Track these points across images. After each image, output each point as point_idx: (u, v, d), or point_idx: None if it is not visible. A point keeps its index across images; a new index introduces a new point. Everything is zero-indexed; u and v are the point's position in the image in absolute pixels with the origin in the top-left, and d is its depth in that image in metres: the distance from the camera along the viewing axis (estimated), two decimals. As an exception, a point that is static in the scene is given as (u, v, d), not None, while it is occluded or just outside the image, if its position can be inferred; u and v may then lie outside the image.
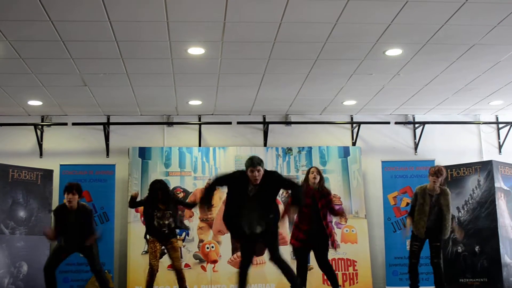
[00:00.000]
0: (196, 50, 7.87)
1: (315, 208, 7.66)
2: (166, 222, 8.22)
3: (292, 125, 11.25)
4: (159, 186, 8.35)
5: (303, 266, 7.96)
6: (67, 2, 6.33)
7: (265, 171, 6.62)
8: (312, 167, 8.05)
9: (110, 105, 10.41)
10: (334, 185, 10.67)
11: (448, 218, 7.89)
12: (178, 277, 8.34)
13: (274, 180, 6.73)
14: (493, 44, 7.75)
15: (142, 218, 10.17)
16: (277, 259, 6.73)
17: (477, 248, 10.17)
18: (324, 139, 11.21)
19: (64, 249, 7.87)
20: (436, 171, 7.94)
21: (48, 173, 10.16)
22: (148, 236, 8.38)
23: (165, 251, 8.48)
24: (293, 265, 10.15)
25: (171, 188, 10.37)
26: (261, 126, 11.18)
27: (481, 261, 10.10)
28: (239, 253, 10.16)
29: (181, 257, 10.16)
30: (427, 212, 7.86)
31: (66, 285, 9.80)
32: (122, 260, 10.27)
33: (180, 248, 10.22)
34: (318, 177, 7.79)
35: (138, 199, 8.69)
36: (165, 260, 10.09)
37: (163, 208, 8.22)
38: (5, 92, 9.41)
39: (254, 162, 6.51)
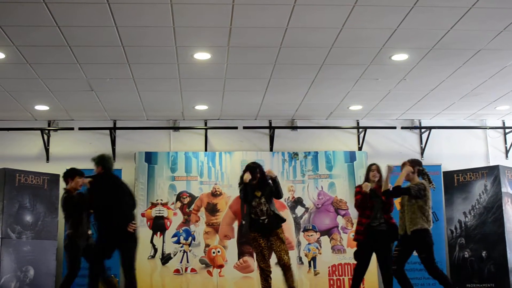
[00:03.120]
0: (202, 55, 7.88)
1: (379, 202, 7.61)
2: (264, 209, 7.60)
3: (298, 130, 11.25)
4: (257, 166, 7.82)
5: (361, 267, 7.73)
6: (73, 7, 6.36)
7: None
8: (373, 165, 7.86)
9: (117, 110, 10.43)
10: (340, 190, 10.67)
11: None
12: (285, 275, 7.62)
13: None
14: (499, 49, 7.74)
15: (148, 223, 10.23)
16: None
17: (484, 253, 10.14)
18: (330, 144, 11.21)
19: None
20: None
21: (55, 178, 10.17)
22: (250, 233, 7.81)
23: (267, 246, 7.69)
24: (300, 270, 10.18)
25: (176, 193, 10.43)
26: (267, 131, 11.18)
27: (488, 266, 10.07)
28: (245, 258, 10.22)
29: (188, 262, 10.17)
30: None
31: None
32: (128, 265, 10.26)
33: (186, 253, 10.23)
34: (378, 175, 7.76)
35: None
36: (172, 265, 10.12)
37: (258, 195, 7.66)
38: (12, 97, 9.44)
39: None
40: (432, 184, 7.46)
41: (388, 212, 7.65)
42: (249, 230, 7.83)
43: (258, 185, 7.72)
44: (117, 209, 7.24)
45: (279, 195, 7.76)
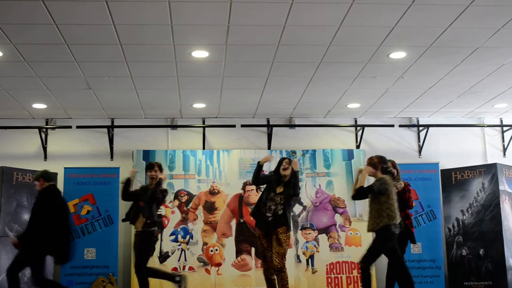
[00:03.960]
0: (200, 53, 7.87)
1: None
2: (273, 207, 7.40)
3: (296, 128, 11.25)
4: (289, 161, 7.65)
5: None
6: (71, 5, 6.35)
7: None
8: (388, 161, 7.65)
9: (114, 108, 10.42)
10: (338, 188, 10.67)
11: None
12: (276, 277, 7.36)
13: None
14: (497, 47, 7.74)
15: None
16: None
17: (481, 251, 10.16)
18: (328, 142, 11.21)
19: None
20: None
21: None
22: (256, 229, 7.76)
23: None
24: (298, 268, 10.17)
25: (174, 191, 10.41)
26: (265, 129, 11.19)
27: (485, 264, 10.09)
28: (243, 256, 10.22)
29: (185, 260, 10.17)
30: None
31: (70, 288, 9.84)
32: (126, 263, 10.25)
33: (184, 251, 10.22)
34: (394, 171, 7.69)
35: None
36: (170, 263, 10.12)
37: (278, 192, 7.46)
38: (10, 95, 9.43)
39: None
40: (399, 182, 7.43)
41: (406, 209, 7.56)
42: (252, 216, 7.85)
43: (285, 181, 7.57)
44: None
45: (295, 190, 7.55)
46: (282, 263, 7.29)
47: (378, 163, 7.32)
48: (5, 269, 9.33)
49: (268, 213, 7.42)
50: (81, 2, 6.29)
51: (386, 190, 7.09)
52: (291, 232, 7.65)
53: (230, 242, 10.36)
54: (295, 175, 7.52)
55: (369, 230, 7.23)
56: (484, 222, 10.21)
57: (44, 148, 10.79)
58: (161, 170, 7.98)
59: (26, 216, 9.73)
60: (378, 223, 7.05)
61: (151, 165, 7.98)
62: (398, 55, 8.03)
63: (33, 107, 10.18)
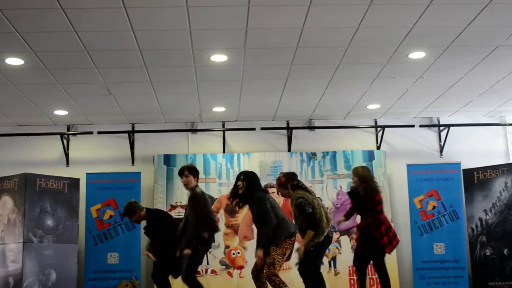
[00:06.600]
0: (219, 57, 7.90)
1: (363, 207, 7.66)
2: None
3: (316, 130, 11.24)
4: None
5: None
6: (90, 13, 6.41)
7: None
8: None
9: (135, 114, 10.49)
10: (359, 189, 10.63)
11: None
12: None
13: None
14: (517, 44, 7.69)
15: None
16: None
17: (505, 251, 10.06)
18: (348, 144, 11.18)
19: None
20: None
21: (75, 182, 10.24)
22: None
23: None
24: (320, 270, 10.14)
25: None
26: (285, 131, 11.19)
27: (510, 264, 9.99)
28: (265, 259, 10.19)
29: (208, 263, 10.19)
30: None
31: (94, 292, 9.91)
32: (149, 267, 10.29)
33: (206, 254, 10.25)
34: (355, 179, 7.72)
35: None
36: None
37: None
38: (32, 102, 9.53)
39: None
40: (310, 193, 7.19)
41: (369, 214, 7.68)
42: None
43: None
44: None
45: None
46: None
47: (287, 182, 7.18)
48: (30, 274, 9.47)
49: None
50: (100, 9, 6.35)
51: (312, 208, 6.94)
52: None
53: (252, 245, 10.35)
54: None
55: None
56: (508, 221, 10.11)
57: (66, 154, 10.90)
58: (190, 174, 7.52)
59: (49, 222, 9.82)
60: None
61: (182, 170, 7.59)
62: (417, 55, 7.99)
63: (55, 114, 10.29)
